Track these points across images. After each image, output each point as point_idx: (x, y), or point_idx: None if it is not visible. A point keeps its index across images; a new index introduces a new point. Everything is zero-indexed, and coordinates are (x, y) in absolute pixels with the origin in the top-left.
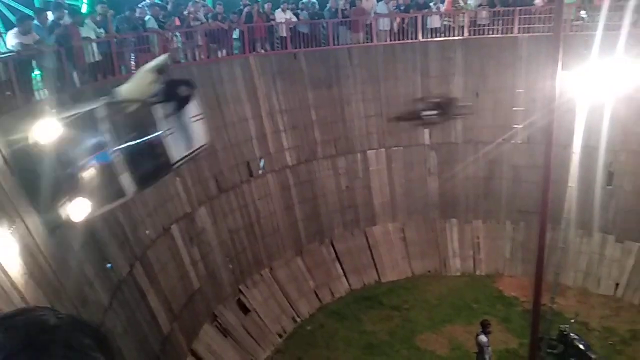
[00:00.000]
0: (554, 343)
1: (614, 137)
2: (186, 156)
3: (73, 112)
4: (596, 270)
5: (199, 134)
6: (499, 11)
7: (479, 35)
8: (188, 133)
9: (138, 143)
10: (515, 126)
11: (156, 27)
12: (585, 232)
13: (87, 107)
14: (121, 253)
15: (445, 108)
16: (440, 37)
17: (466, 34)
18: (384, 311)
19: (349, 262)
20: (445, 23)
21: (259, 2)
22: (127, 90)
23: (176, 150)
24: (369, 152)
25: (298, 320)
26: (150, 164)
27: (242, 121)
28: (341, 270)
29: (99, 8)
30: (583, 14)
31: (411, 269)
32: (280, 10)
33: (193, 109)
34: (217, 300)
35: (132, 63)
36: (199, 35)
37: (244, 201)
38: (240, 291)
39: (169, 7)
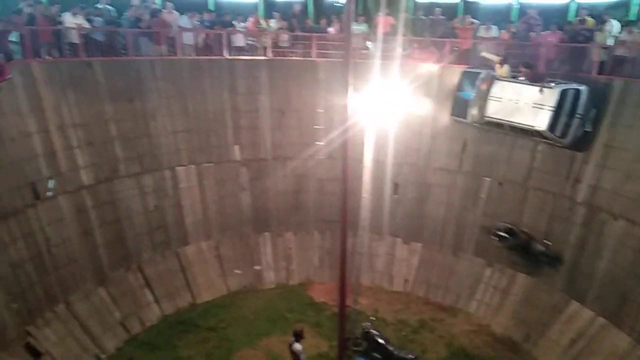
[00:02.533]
0: (358, 341)
1: (397, 152)
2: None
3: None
4: (389, 270)
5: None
6: (298, 35)
7: (282, 56)
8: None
9: None
10: (318, 143)
11: None
12: (379, 236)
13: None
14: None
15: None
16: (245, 55)
17: (269, 55)
18: (199, 334)
19: (160, 286)
20: (250, 42)
21: (42, 3)
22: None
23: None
24: (177, 168)
25: (103, 357)
26: None
27: (23, 136)
28: (151, 296)
29: None
30: (368, 43)
31: (227, 286)
32: (69, 14)
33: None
34: None
35: None
36: None
37: (29, 228)
38: (29, 333)
39: None
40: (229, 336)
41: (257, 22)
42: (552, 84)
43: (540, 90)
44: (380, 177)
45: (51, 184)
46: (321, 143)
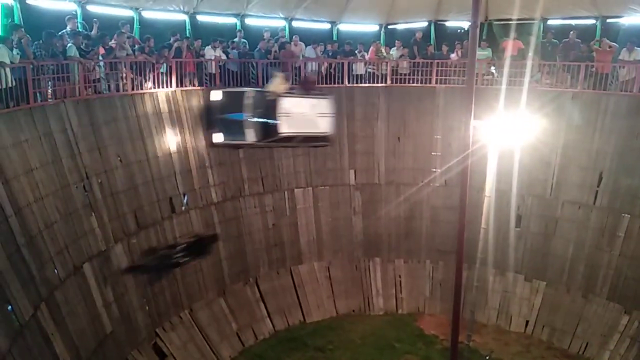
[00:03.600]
0: None
1: (521, 182)
2: (295, 134)
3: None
4: (508, 308)
5: (322, 125)
6: (418, 62)
7: (400, 83)
8: (307, 121)
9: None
10: (434, 169)
11: (77, 55)
12: (498, 271)
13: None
14: (24, 294)
15: (197, 247)
16: (365, 83)
17: (388, 82)
18: (307, 352)
19: (273, 302)
20: (369, 70)
21: (189, 37)
22: (269, 86)
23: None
24: (295, 190)
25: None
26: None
27: (165, 155)
28: (265, 311)
29: (15, 33)
30: (492, 69)
31: (335, 308)
32: (210, 47)
33: (323, 107)
34: (130, 344)
35: (49, 91)
36: (123, 66)
37: (165, 238)
38: (157, 334)
39: (92, 35)
40: (335, 358)
41: (377, 51)
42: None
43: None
44: (501, 208)
45: (185, 199)
46: (437, 170)
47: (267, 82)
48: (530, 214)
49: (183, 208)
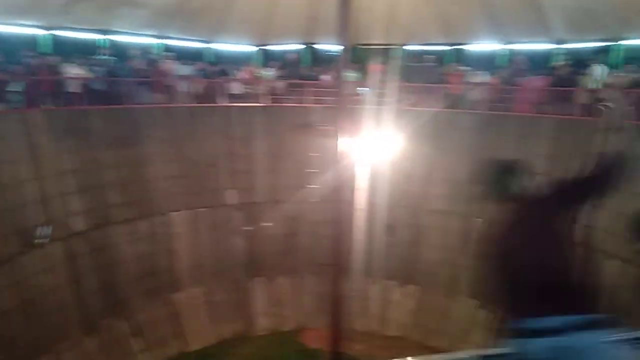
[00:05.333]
0: None
1: (390, 194)
2: None
3: None
4: (385, 314)
5: None
6: (293, 83)
7: (277, 103)
8: None
9: None
10: (311, 186)
11: None
12: (374, 279)
13: None
14: None
15: None
16: (242, 102)
17: (265, 101)
18: None
19: (150, 334)
20: (246, 90)
21: (45, 54)
22: None
23: None
24: (172, 213)
25: None
26: None
27: (18, 183)
28: (141, 344)
29: None
30: (362, 89)
31: (218, 333)
32: (70, 64)
33: None
34: None
35: None
36: None
37: (20, 276)
38: None
39: None
40: None
41: (253, 71)
42: None
43: None
44: (373, 220)
45: (44, 230)
46: (314, 186)
47: (136, 101)
48: (400, 224)
49: (41, 241)
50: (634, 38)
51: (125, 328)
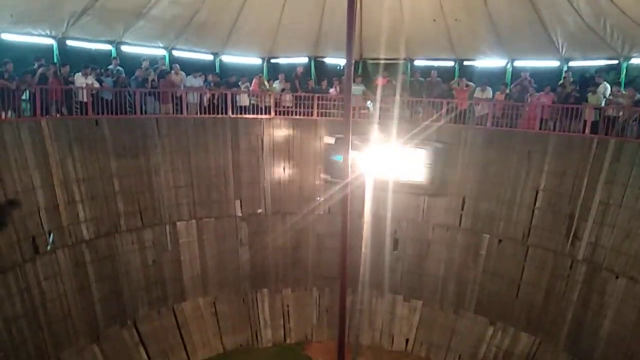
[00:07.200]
0: None
1: (396, 208)
2: None
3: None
4: (390, 328)
5: None
6: (300, 96)
7: (284, 115)
8: None
9: None
10: (318, 198)
11: None
12: (379, 293)
13: None
14: None
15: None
16: (249, 114)
17: (272, 114)
18: None
19: (154, 344)
20: (253, 102)
21: (55, 63)
22: None
23: None
24: (178, 223)
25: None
26: None
27: (27, 191)
28: (145, 355)
29: None
30: (368, 103)
31: (223, 344)
32: (80, 74)
33: None
34: None
35: None
36: None
37: (26, 283)
38: None
39: None
40: None
41: (261, 83)
42: None
43: None
44: (379, 233)
45: (51, 237)
46: (320, 198)
47: (144, 112)
48: (405, 238)
49: (48, 248)
50: None
51: (130, 337)
